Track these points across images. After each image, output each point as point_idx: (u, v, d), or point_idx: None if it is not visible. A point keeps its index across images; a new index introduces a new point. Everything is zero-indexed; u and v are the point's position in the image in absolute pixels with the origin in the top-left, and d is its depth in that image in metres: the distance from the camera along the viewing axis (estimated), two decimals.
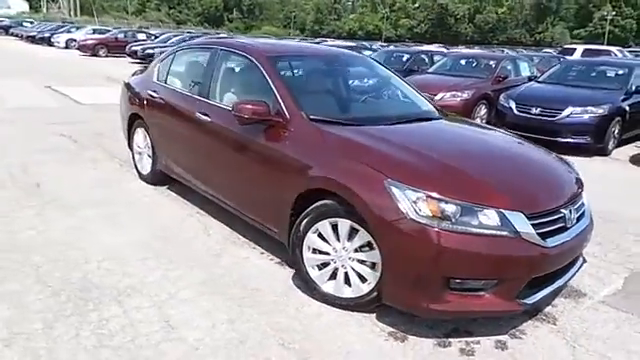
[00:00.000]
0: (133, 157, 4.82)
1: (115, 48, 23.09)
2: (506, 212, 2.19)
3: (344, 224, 2.47)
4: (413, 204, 2.18)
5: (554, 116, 6.79)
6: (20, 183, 4.46)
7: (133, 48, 20.19)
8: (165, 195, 4.37)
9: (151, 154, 4.44)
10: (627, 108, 7.03)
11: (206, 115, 3.48)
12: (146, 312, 2.50)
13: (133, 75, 5.12)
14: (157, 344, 2.24)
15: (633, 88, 7.28)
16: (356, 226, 2.43)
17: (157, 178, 4.51)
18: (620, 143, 7.25)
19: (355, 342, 2.34)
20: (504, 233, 2.16)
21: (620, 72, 7.73)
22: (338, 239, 2.53)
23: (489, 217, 2.17)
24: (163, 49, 16.99)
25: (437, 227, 2.13)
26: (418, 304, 2.26)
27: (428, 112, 3.49)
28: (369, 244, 2.42)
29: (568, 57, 17.11)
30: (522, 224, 2.19)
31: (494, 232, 2.16)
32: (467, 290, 2.21)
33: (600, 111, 6.69)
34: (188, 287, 2.77)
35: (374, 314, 2.56)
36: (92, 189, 4.39)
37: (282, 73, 3.20)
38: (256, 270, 3.03)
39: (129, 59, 20.93)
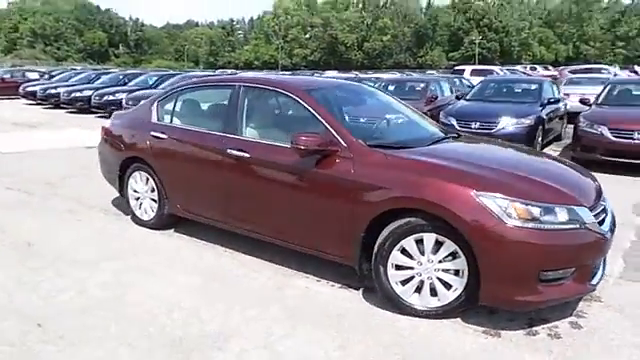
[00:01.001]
0: (128, 203, 4.56)
1: (3, 90, 20.83)
2: (575, 208, 2.60)
3: (429, 238, 2.70)
4: (504, 210, 2.50)
5: (491, 128, 7.72)
6: (5, 244, 3.99)
7: (29, 89, 18.43)
8: (178, 238, 4.20)
9: (157, 198, 4.26)
10: (545, 117, 8.23)
11: (242, 151, 3.49)
12: (257, 353, 2.47)
13: (113, 119, 4.87)
14: None
15: (545, 100, 8.56)
16: (441, 239, 2.68)
17: (163, 222, 4.33)
18: (542, 148, 8.44)
19: (461, 344, 2.56)
20: (577, 225, 2.56)
21: (533, 87, 9.06)
22: (422, 253, 2.75)
23: (564, 214, 2.56)
24: (73, 89, 15.89)
25: (528, 227, 2.47)
26: (514, 299, 2.56)
27: (443, 132, 3.88)
28: (453, 254, 2.68)
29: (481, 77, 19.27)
30: (587, 216, 2.61)
31: (570, 226, 2.55)
32: (552, 280, 2.56)
33: (528, 121, 7.76)
34: (276, 323, 2.77)
35: (459, 318, 2.81)
36: (97, 241, 4.08)
37: (324, 105, 3.37)
38: (325, 297, 3.11)
39: (24, 100, 19.08)
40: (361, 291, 3.17)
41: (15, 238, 4.12)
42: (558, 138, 9.64)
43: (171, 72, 19.66)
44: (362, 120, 3.87)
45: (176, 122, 4.18)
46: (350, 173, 2.97)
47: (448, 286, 2.74)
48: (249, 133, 3.64)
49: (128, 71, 21.26)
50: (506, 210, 2.50)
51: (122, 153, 4.49)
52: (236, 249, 3.88)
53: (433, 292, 2.78)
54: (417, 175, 2.78)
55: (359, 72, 41.74)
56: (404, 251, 2.78)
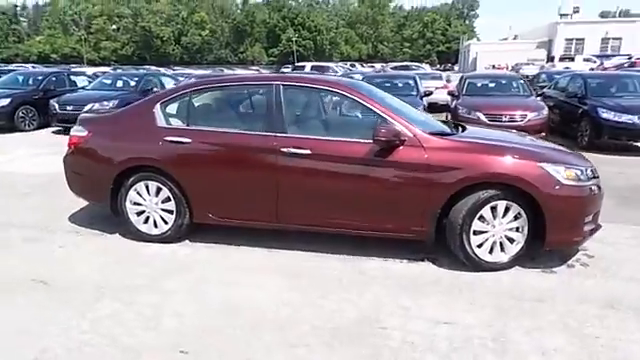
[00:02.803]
0: (128, 219, 4.08)
1: None
2: (590, 169, 3.58)
3: (502, 205, 3.38)
4: (560, 175, 3.32)
5: None
6: (23, 287, 3.25)
7: None
8: (204, 247, 3.97)
9: (174, 208, 3.95)
10: None
11: (301, 148, 3.59)
12: (426, 326, 2.79)
13: (86, 125, 4.22)
14: None
15: (422, 93, 10.11)
16: (509, 204, 3.38)
17: (181, 233, 4.05)
18: None
19: (540, 282, 3.31)
20: (593, 182, 3.54)
21: (411, 82, 10.58)
22: (494, 218, 3.41)
23: (588, 173, 3.50)
24: None
25: (576, 186, 3.35)
26: (572, 240, 3.45)
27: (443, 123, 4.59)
28: (516, 215, 3.42)
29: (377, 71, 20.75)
30: (593, 176, 3.62)
31: (591, 182, 3.51)
32: (587, 223, 3.50)
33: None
34: (399, 299, 3.09)
35: (516, 266, 3.55)
36: (121, 265, 3.63)
37: (379, 101, 3.72)
38: (406, 271, 3.50)
39: None
40: (427, 262, 3.67)
41: (23, 278, 3.38)
42: None
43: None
44: (404, 112, 4.20)
45: (198, 125, 3.94)
46: (424, 158, 3.43)
47: (512, 241, 3.47)
48: (301, 131, 3.75)
49: None
50: (561, 174, 3.34)
51: (118, 164, 3.98)
52: (275, 247, 3.91)
53: (502, 248, 3.47)
54: (489, 154, 3.42)
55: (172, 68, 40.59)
56: (481, 218, 3.40)
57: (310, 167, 3.62)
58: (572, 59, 35.33)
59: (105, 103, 10.38)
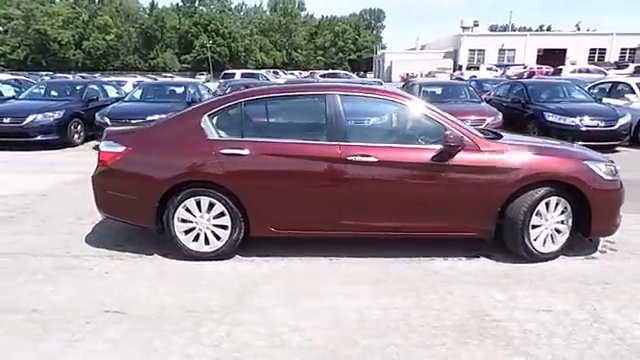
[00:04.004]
0: (175, 238, 3.85)
1: None
2: (616, 166, 4.09)
3: (554, 200, 3.76)
4: (602, 171, 3.79)
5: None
6: (85, 324, 2.93)
7: None
8: (257, 262, 3.89)
9: (229, 223, 3.82)
10: None
11: (367, 156, 3.68)
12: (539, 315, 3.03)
13: (121, 141, 3.91)
14: None
15: (190, 99, 10.21)
16: (558, 199, 3.77)
17: (234, 249, 3.92)
18: None
19: (588, 266, 3.74)
20: (620, 177, 4.06)
21: (180, 90, 10.97)
22: (547, 211, 3.78)
23: (616, 168, 4.00)
24: None
25: (613, 180, 3.83)
26: (611, 229, 3.91)
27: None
28: (563, 210, 3.83)
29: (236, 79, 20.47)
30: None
31: (620, 177, 4.00)
32: (619, 214, 4.00)
33: None
34: (491, 293, 3.32)
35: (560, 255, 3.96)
36: (188, 289, 3.45)
37: (436, 110, 3.94)
38: (469, 268, 3.74)
39: None
40: (483, 258, 3.95)
41: (95, 311, 3.05)
42: None
43: None
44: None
45: (254, 136, 3.84)
46: (485, 160, 3.71)
47: (559, 232, 3.87)
48: (363, 139, 3.83)
49: None
50: (602, 170, 3.80)
51: (167, 180, 3.76)
52: (328, 255, 3.94)
53: (552, 240, 3.86)
54: (542, 155, 3.80)
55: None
56: (538, 213, 3.76)
57: (376, 174, 3.73)
58: (477, 68, 38.87)
59: (49, 114, 9.50)
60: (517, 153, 3.80)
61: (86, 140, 10.15)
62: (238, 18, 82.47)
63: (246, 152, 3.74)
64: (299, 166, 3.77)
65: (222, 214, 3.83)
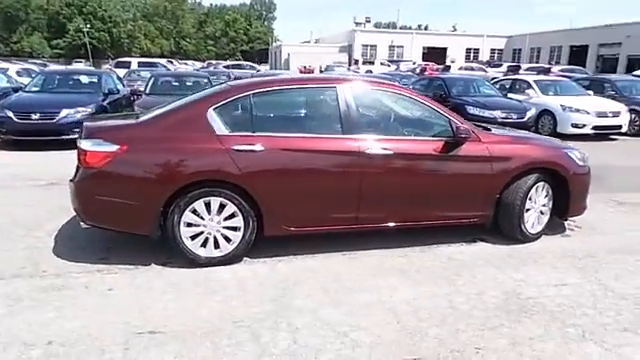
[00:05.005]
0: (182, 244, 3.51)
1: None
2: None
3: (542, 185, 4.16)
4: (578, 158, 4.28)
5: (53, 119, 8.03)
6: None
7: None
8: (278, 262, 3.73)
9: (241, 224, 3.58)
10: (107, 106, 8.95)
11: (384, 149, 3.72)
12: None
13: (114, 138, 3.42)
14: None
15: (106, 90, 9.44)
16: (544, 184, 4.18)
17: (246, 251, 3.70)
18: None
19: (566, 244, 4.21)
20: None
21: (93, 79, 9.86)
22: (536, 195, 4.17)
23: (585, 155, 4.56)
24: None
25: (585, 165, 4.34)
26: (582, 210, 4.42)
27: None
28: (546, 194, 4.27)
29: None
30: None
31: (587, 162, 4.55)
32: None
33: (89, 110, 8.25)
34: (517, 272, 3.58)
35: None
36: (215, 298, 3.18)
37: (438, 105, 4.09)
38: (478, 250, 4.01)
39: None
40: (479, 242, 4.23)
41: (130, 332, 2.63)
42: None
43: None
44: None
45: (265, 131, 3.61)
46: (487, 151, 3.98)
47: (543, 214, 4.30)
48: (376, 132, 3.84)
49: None
50: (577, 157, 4.31)
51: (174, 182, 3.40)
52: (341, 250, 3.92)
53: (537, 221, 4.27)
54: (532, 145, 4.22)
55: None
56: (530, 198, 4.13)
57: (391, 166, 3.79)
58: (372, 63, 40.85)
59: None
60: (511, 143, 4.15)
61: None
62: (119, 1, 75.64)
63: (260, 148, 3.53)
64: (315, 161, 3.67)
65: (233, 215, 3.58)
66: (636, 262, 3.84)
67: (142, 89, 12.17)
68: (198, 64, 41.29)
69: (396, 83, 5.05)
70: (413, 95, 4.13)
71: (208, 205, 3.52)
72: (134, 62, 24.22)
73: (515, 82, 12.47)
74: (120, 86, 10.85)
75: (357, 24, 52.78)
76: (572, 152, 4.34)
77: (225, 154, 3.47)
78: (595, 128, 10.36)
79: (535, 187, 4.13)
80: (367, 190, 3.75)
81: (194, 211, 3.50)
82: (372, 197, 3.78)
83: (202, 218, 3.52)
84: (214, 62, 38.47)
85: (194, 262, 3.57)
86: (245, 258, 3.73)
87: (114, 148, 3.38)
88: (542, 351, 2.59)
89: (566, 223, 4.76)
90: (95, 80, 9.93)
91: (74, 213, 3.70)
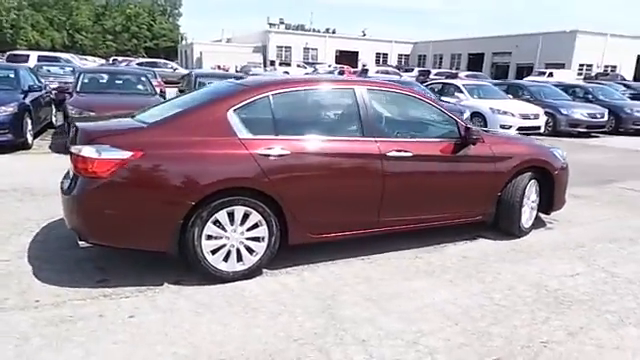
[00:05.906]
0: (203, 260, 3.17)
1: None
2: None
3: (533, 181, 4.43)
4: (560, 156, 4.64)
5: None
6: None
7: None
8: (295, 274, 3.53)
9: (266, 234, 3.35)
10: (30, 104, 7.94)
11: (404, 151, 3.70)
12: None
13: (119, 143, 2.98)
14: None
15: (26, 87, 8.31)
16: (534, 181, 4.46)
17: (267, 263, 3.46)
18: (35, 136, 8.36)
19: (545, 238, 4.53)
20: None
21: (11, 74, 8.54)
22: (530, 192, 4.43)
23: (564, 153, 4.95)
24: None
25: (566, 163, 4.70)
26: (562, 205, 4.76)
27: None
28: (536, 189, 4.56)
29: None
30: None
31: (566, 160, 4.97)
32: None
33: (10, 109, 7.22)
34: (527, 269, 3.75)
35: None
36: (254, 317, 2.93)
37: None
38: (488, 248, 4.16)
39: None
40: (480, 239, 4.40)
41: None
42: (51, 125, 9.86)
43: None
44: None
45: (288, 134, 3.39)
46: (490, 151, 4.15)
47: (532, 209, 4.57)
48: (394, 134, 3.83)
49: None
50: (560, 155, 4.66)
51: (196, 190, 3.06)
52: (355, 256, 3.83)
53: (530, 216, 4.54)
54: (525, 145, 4.50)
55: None
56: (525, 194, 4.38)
57: (411, 168, 3.79)
58: (289, 64, 40.95)
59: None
60: (508, 143, 4.38)
61: None
62: None
63: (286, 152, 3.31)
64: (341, 164, 3.54)
65: (256, 225, 3.32)
66: (621, 249, 4.26)
67: (64, 87, 10.97)
68: (100, 60, 37.97)
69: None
70: (424, 97, 4.18)
71: (231, 215, 3.23)
72: (33, 56, 21.49)
73: (445, 86, 13.27)
74: (39, 83, 9.58)
75: (271, 25, 52.56)
76: (556, 150, 4.71)
77: (251, 159, 3.20)
78: (519, 129, 11.37)
79: (531, 183, 4.41)
80: (389, 192, 3.71)
81: (216, 222, 3.19)
82: (393, 199, 3.75)
83: (224, 230, 3.22)
84: (120, 59, 35.48)
85: (217, 279, 3.25)
86: (264, 270, 3.49)
87: (127, 155, 2.95)
88: (598, 339, 2.75)
89: (544, 218, 5.14)
90: (12, 75, 8.64)
91: (33, 229, 3.14)
